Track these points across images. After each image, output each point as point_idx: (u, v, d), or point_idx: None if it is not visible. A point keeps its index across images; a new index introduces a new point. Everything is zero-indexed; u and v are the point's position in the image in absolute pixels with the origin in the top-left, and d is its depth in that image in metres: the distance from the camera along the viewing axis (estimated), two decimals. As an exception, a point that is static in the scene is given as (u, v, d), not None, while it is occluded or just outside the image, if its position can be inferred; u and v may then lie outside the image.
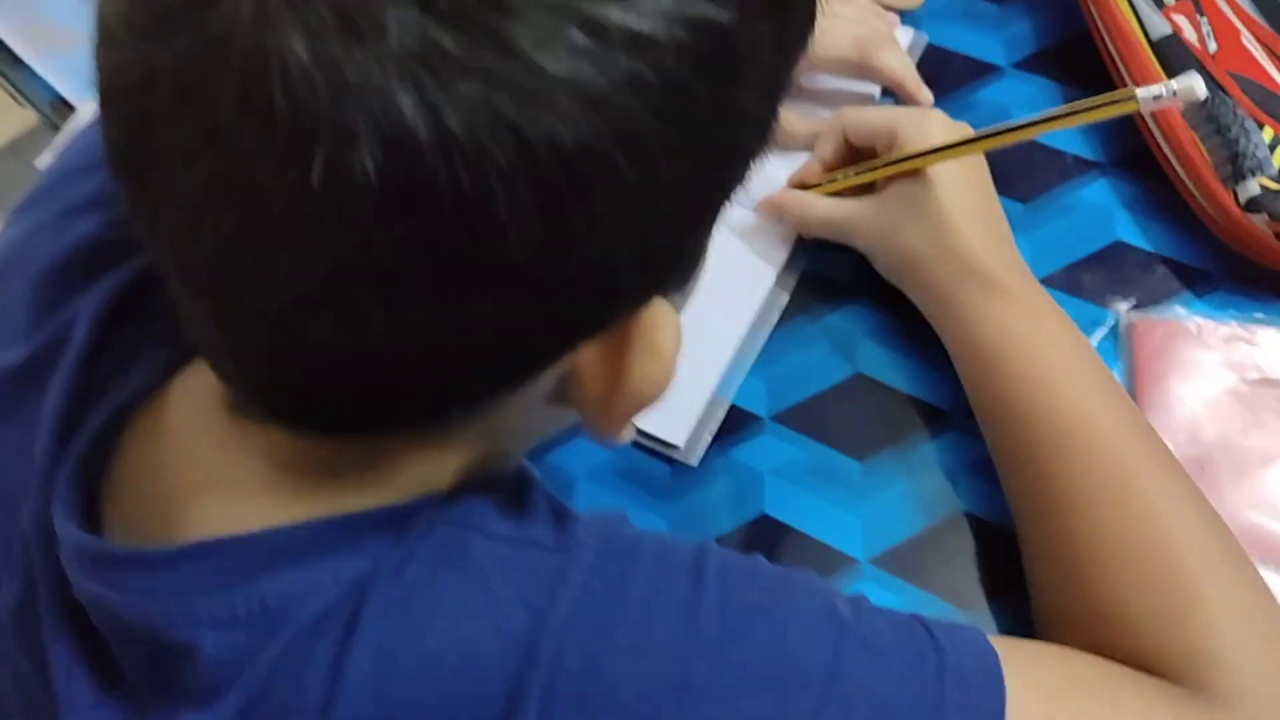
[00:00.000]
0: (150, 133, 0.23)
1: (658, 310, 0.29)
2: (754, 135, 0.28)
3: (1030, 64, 0.57)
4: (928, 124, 0.47)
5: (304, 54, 0.20)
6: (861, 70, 0.52)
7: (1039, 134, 0.43)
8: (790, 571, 0.33)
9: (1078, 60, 0.56)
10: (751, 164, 0.28)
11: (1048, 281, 0.49)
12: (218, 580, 0.28)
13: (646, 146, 0.23)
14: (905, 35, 0.58)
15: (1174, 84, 0.38)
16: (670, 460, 0.47)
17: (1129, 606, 0.36)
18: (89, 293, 0.34)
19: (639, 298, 0.28)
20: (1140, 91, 0.39)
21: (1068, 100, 0.50)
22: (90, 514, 0.31)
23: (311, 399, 0.27)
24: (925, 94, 0.52)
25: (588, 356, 0.29)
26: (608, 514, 0.33)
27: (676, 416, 0.47)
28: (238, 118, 0.21)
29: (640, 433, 0.47)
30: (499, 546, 0.30)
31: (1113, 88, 0.49)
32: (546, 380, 0.29)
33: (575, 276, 0.24)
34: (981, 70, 0.57)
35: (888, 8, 0.57)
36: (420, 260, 0.23)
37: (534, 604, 0.29)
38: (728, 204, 0.29)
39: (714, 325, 0.49)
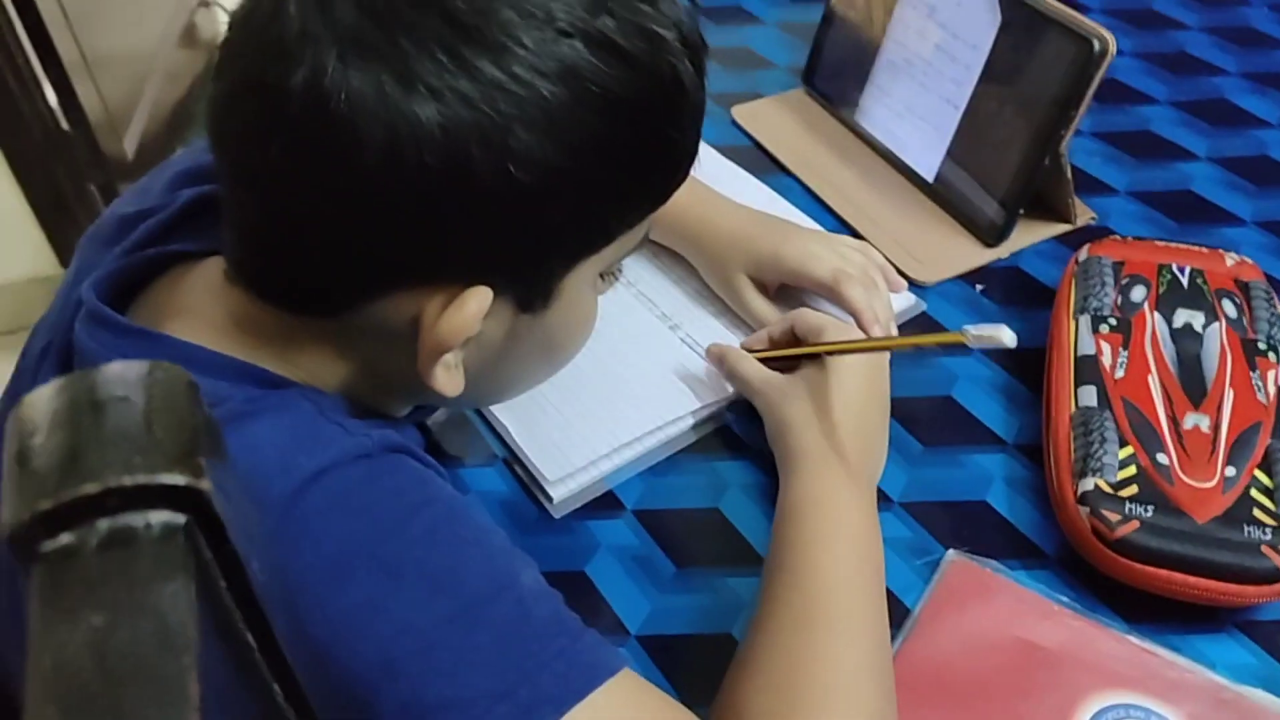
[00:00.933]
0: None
1: (481, 292, 0.40)
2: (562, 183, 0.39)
3: (996, 353, 0.66)
4: (843, 331, 0.57)
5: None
6: (833, 296, 0.63)
7: (897, 347, 0.54)
8: (510, 551, 0.42)
9: (1027, 363, 0.64)
10: (579, 210, 0.40)
11: (907, 509, 0.57)
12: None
13: (497, 157, 0.36)
14: (906, 299, 0.68)
15: (989, 330, 0.48)
16: (539, 504, 0.57)
17: (754, 702, 0.42)
18: (184, 193, 0.50)
19: (467, 273, 0.40)
20: (970, 329, 0.49)
21: (999, 375, 0.59)
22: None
23: (251, 271, 0.42)
24: (875, 330, 0.62)
25: (430, 310, 0.41)
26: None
27: (567, 475, 0.57)
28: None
29: (531, 468, 0.57)
30: (322, 420, 0.42)
31: (1041, 383, 0.57)
32: (401, 311, 0.41)
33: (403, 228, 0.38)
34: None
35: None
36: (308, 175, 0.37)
37: (314, 455, 0.40)
38: (562, 241, 0.41)
39: (631, 427, 0.59)
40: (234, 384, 0.42)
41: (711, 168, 0.78)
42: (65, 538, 0.22)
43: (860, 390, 0.56)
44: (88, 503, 0.22)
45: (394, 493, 0.41)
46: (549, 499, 0.57)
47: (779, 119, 0.83)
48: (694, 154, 0.44)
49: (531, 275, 0.43)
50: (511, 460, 0.60)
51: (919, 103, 0.75)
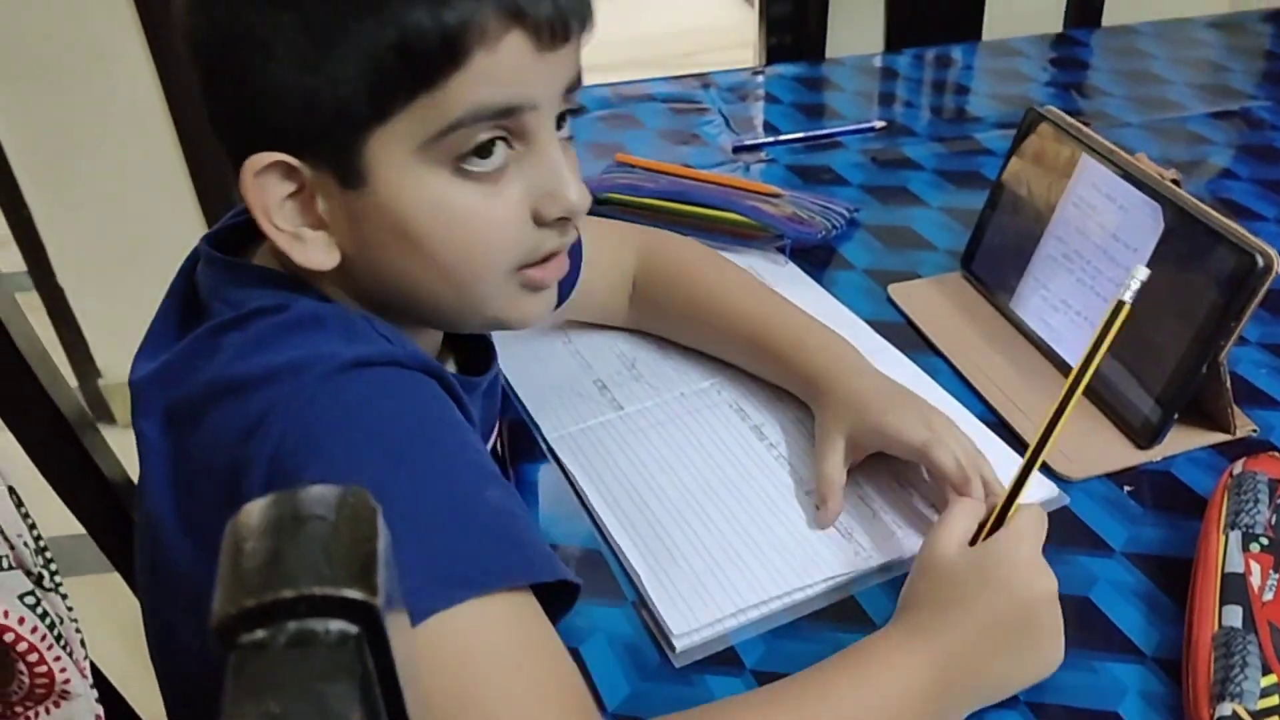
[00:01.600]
0: None
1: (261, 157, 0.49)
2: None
3: (1140, 560, 0.65)
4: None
5: None
6: (925, 461, 0.63)
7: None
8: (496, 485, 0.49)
9: (1172, 573, 0.62)
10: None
11: (1034, 709, 0.56)
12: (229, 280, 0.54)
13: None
14: (1049, 490, 0.68)
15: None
16: (662, 650, 0.59)
17: None
18: None
19: (261, 142, 0.49)
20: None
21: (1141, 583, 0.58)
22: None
23: None
24: (970, 488, 0.61)
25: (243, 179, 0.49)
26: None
27: (691, 630, 0.59)
28: None
29: (657, 617, 0.60)
30: (371, 330, 0.52)
31: (1185, 596, 0.56)
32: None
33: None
34: (1097, 545, 0.66)
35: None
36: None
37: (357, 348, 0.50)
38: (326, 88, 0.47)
39: (760, 590, 0.61)
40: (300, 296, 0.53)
41: (863, 343, 0.81)
42: (260, 633, 0.26)
43: (998, 591, 0.54)
44: (283, 606, 0.26)
45: (419, 400, 0.49)
46: (671, 649, 0.59)
47: (935, 300, 0.85)
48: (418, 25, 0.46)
49: (320, 145, 0.49)
50: (639, 605, 0.62)
51: (1076, 298, 0.76)
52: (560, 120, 0.54)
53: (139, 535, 0.59)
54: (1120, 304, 0.59)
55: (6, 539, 0.56)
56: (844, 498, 0.67)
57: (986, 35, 1.47)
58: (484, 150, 0.50)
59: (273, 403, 0.47)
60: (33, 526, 0.58)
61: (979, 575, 0.55)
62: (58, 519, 0.80)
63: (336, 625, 0.26)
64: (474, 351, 0.66)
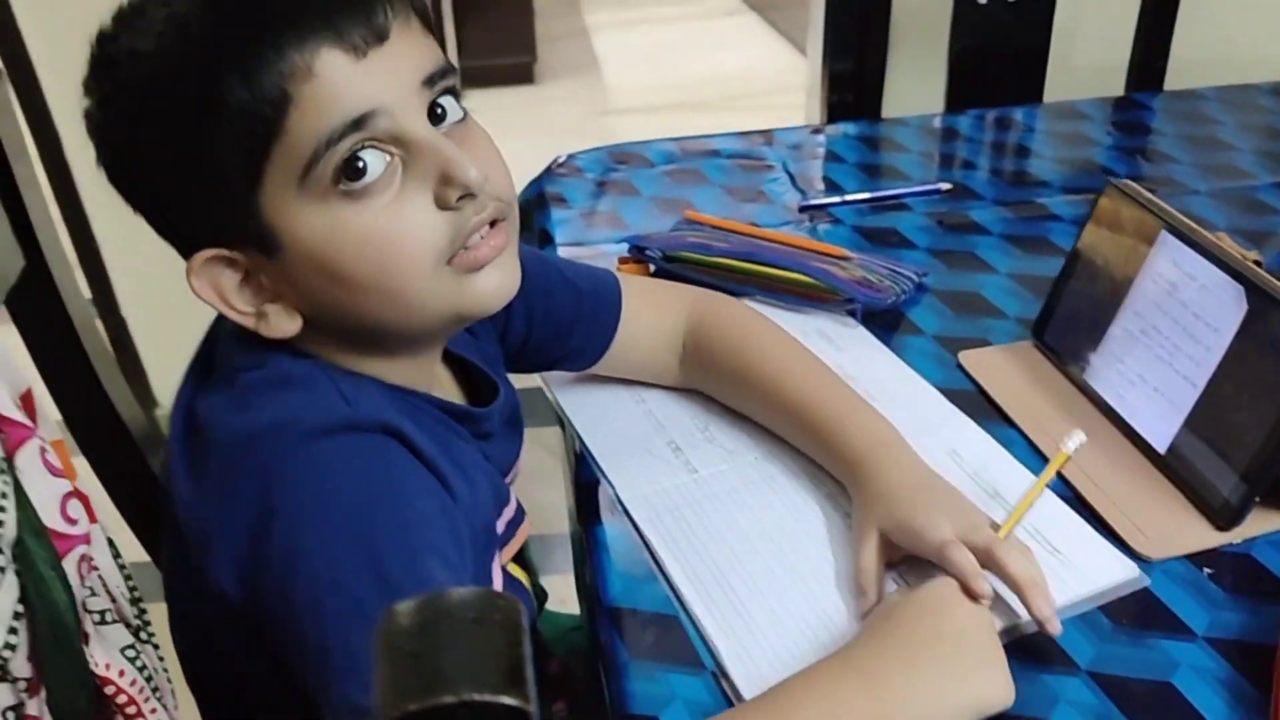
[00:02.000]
0: None
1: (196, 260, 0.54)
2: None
3: (1222, 645, 0.64)
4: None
5: None
6: (940, 562, 0.62)
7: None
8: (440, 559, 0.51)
9: (1254, 659, 0.62)
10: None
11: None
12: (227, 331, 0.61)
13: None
14: (1129, 571, 0.67)
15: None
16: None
17: None
18: None
19: (184, 247, 0.55)
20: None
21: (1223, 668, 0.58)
22: None
23: None
24: (982, 585, 0.60)
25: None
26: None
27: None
28: None
29: (737, 687, 0.60)
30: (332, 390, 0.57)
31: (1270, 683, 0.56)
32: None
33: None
34: (1178, 629, 0.65)
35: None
36: None
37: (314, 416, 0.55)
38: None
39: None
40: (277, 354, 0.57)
41: (935, 410, 0.81)
42: (421, 736, 0.27)
43: (924, 619, 0.58)
44: (444, 710, 0.26)
45: (366, 473, 0.52)
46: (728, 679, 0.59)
47: (1006, 369, 0.86)
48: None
49: (231, 230, 0.53)
50: (718, 674, 0.62)
51: (1154, 374, 0.76)
52: (436, 110, 0.55)
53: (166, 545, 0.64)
54: (1063, 455, 0.69)
55: (109, 592, 0.57)
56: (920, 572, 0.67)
57: (1048, 96, 1.47)
58: (354, 167, 0.52)
59: (247, 470, 0.53)
60: (129, 577, 0.59)
61: (912, 606, 0.59)
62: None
63: (491, 732, 0.27)
64: (483, 386, 0.69)
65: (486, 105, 0.64)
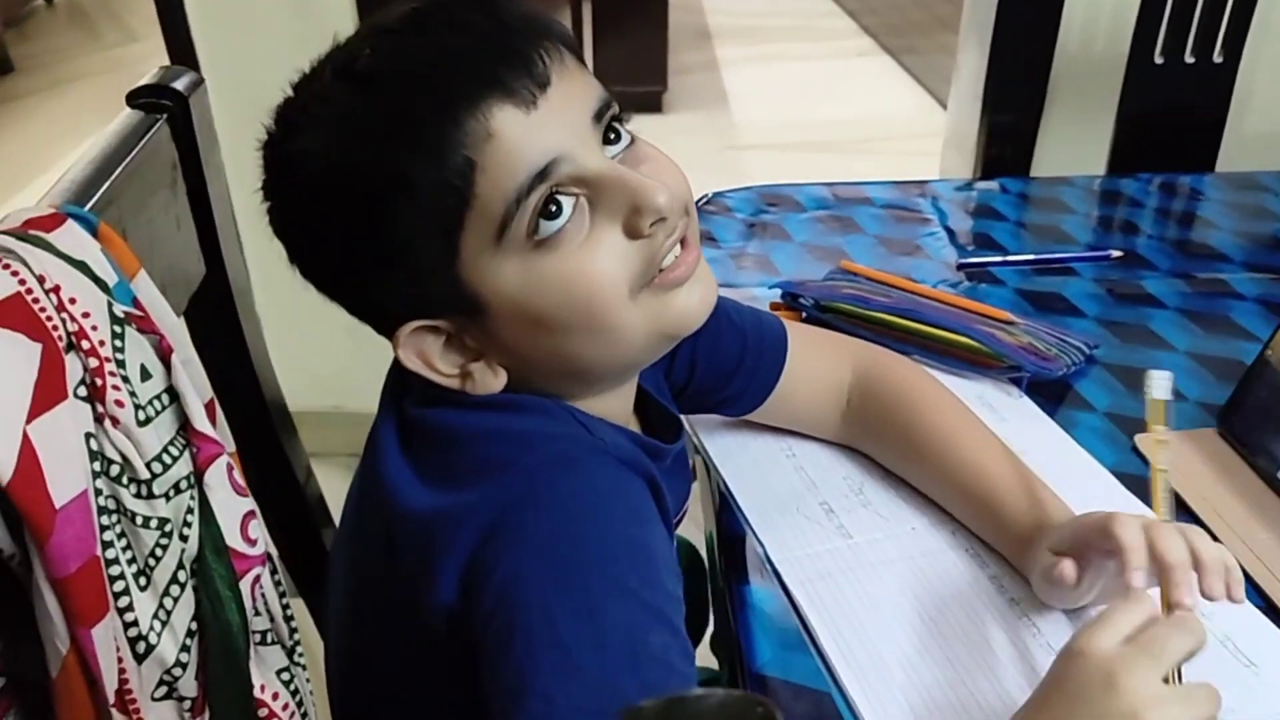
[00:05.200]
0: None
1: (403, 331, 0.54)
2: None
3: None
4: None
5: None
6: (1105, 539, 0.58)
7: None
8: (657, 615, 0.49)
9: None
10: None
11: None
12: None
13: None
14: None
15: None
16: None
17: None
18: None
19: (390, 322, 0.54)
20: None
21: None
22: None
23: None
24: (1138, 577, 0.55)
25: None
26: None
27: None
28: None
29: None
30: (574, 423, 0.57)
31: None
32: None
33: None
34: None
35: None
36: None
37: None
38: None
39: None
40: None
41: (1108, 496, 0.76)
42: None
43: (1084, 693, 0.49)
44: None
45: (613, 510, 0.51)
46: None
47: (1187, 457, 0.80)
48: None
49: (435, 303, 0.53)
50: (875, 761, 0.59)
51: (1362, 479, 0.70)
52: (609, 137, 0.54)
53: (335, 560, 0.64)
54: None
55: (269, 610, 0.57)
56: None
57: (1219, 166, 1.40)
58: (548, 212, 0.51)
59: (494, 461, 0.53)
60: (283, 595, 0.59)
61: (1053, 675, 0.52)
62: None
63: None
64: (662, 424, 0.68)
65: None
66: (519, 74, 0.50)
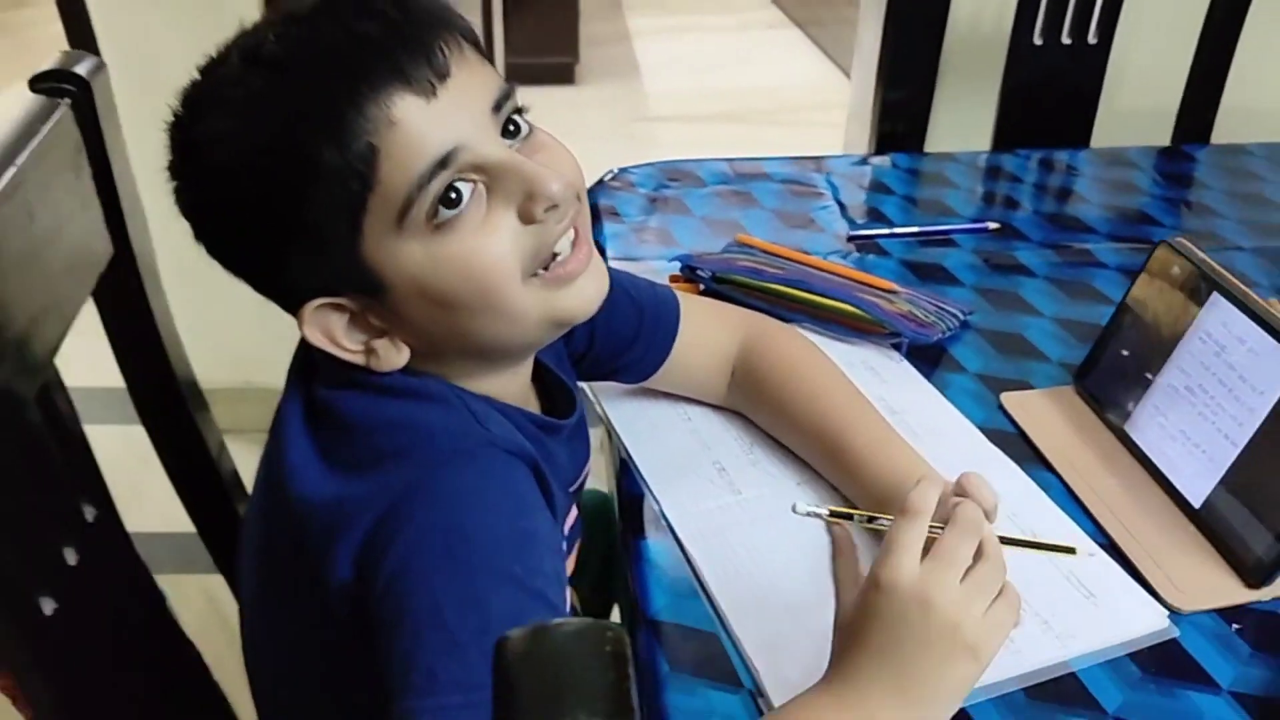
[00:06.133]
0: None
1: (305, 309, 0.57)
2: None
3: (1246, 700, 0.66)
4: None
5: None
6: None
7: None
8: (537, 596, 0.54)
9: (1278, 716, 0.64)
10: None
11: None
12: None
13: None
14: (1159, 622, 0.69)
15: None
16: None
17: None
18: None
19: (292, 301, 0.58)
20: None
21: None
22: None
23: None
24: (987, 496, 0.60)
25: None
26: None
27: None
28: None
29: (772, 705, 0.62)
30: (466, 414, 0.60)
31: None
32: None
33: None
34: (1204, 681, 0.67)
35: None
36: None
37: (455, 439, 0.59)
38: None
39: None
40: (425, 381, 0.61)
41: (977, 451, 0.83)
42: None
43: (902, 620, 0.54)
44: (558, 730, 0.29)
45: (497, 501, 0.56)
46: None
47: (1048, 413, 0.87)
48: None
49: (337, 279, 0.56)
50: (756, 694, 0.64)
51: (1194, 431, 0.77)
52: (508, 128, 0.58)
53: (246, 534, 0.68)
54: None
55: None
56: None
57: (1095, 139, 1.49)
58: (448, 199, 0.54)
59: (387, 453, 0.57)
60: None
61: (863, 609, 0.56)
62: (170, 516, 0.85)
63: (603, 752, 0.29)
64: (559, 397, 0.72)
65: (527, 103, 0.67)
66: (419, 63, 0.53)
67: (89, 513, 0.64)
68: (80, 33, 1.68)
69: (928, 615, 0.54)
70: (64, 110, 0.66)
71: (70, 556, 0.61)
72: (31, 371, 0.60)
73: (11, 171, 0.58)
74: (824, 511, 0.68)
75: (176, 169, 0.56)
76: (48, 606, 0.57)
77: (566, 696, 0.29)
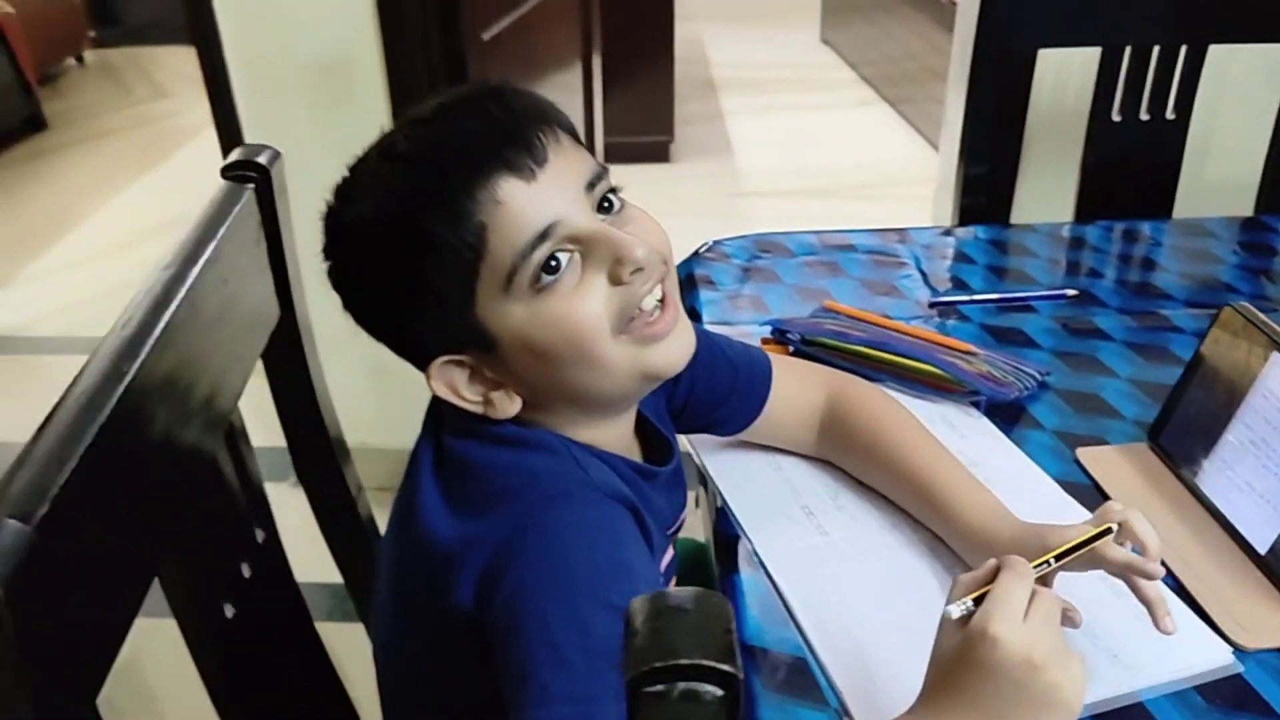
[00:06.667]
0: None
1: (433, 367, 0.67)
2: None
3: (1311, 735, 0.69)
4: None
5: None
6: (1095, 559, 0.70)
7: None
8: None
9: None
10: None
11: None
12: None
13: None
14: (1224, 657, 0.73)
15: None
16: None
17: None
18: None
19: (421, 359, 0.67)
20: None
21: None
22: None
23: None
24: (1152, 568, 0.69)
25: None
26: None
27: None
28: None
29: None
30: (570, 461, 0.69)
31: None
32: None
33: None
34: (1266, 714, 0.71)
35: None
36: None
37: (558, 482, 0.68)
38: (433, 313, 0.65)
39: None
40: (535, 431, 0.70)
41: (1050, 500, 0.89)
42: (659, 687, 0.37)
43: (1005, 675, 0.57)
44: (677, 670, 0.37)
45: (597, 537, 0.63)
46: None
47: (1121, 467, 0.92)
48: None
49: (458, 340, 0.65)
50: (841, 712, 0.71)
51: (1260, 482, 0.82)
52: (603, 204, 0.66)
53: (379, 567, 0.76)
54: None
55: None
56: None
57: (1178, 210, 1.53)
58: (549, 267, 0.63)
59: (502, 494, 0.65)
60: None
61: (966, 658, 0.59)
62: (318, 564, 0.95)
63: (710, 688, 0.37)
64: (658, 446, 0.80)
65: (624, 180, 0.74)
66: (520, 153, 0.63)
67: (259, 534, 0.75)
68: (227, 122, 1.86)
69: (1033, 675, 0.57)
70: (249, 194, 0.78)
71: (245, 570, 0.71)
72: (221, 413, 0.72)
73: (213, 244, 0.70)
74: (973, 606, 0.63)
75: (329, 249, 0.67)
76: (229, 611, 0.68)
77: (683, 642, 0.37)
